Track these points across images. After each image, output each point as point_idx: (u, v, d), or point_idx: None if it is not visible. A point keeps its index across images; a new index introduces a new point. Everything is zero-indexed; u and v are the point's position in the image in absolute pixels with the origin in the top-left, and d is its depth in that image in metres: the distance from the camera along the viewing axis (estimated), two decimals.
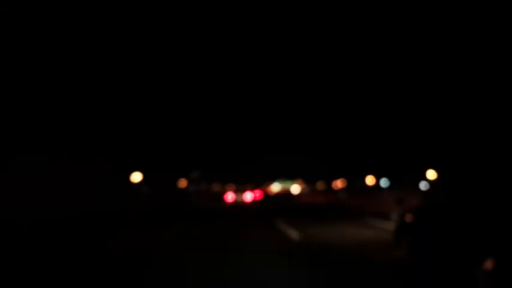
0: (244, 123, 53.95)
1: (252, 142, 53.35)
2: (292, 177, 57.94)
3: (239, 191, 35.78)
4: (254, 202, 32.46)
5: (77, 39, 17.32)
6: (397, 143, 27.42)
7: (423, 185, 20.83)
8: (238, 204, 29.35)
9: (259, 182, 53.84)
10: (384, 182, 29.63)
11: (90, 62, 18.35)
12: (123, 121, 22.11)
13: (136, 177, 19.46)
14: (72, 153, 16.36)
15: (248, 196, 34.34)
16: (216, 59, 43.74)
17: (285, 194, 42.20)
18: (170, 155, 29.66)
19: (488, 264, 4.19)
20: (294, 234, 10.65)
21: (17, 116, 13.95)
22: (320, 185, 43.15)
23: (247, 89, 50.08)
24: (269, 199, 34.60)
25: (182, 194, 31.17)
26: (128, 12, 22.54)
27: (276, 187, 57.74)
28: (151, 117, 26.40)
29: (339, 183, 34.98)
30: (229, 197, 33.58)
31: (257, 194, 36.83)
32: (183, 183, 31.62)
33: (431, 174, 19.87)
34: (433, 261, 5.43)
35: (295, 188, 54.30)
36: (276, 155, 58.72)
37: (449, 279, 4.84)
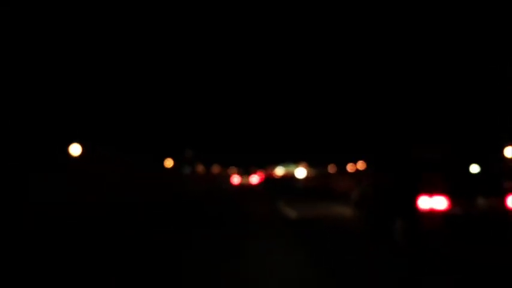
0: (243, 103, 49.64)
1: (252, 123, 49.01)
2: (295, 161, 54.19)
3: (242, 174, 36.70)
4: (259, 184, 33.28)
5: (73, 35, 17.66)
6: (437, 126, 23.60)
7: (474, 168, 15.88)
8: (245, 187, 29.75)
9: (261, 165, 50.45)
10: None
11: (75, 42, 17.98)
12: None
13: (75, 150, 12.69)
14: None
15: (254, 179, 35.10)
16: (210, 43, 40.34)
17: (289, 178, 39.06)
18: (155, 131, 25.16)
19: (399, 222, 6.40)
20: None
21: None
22: (332, 168, 38.96)
23: (249, 69, 45.88)
24: (272, 183, 32.74)
25: (172, 176, 26.02)
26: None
27: (279, 171, 53.62)
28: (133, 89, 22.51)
29: (359, 166, 30.29)
30: (235, 179, 34.98)
31: (260, 177, 37.96)
32: (169, 163, 26.40)
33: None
34: (372, 221, 7.73)
35: (301, 172, 50.09)
36: (278, 136, 54.87)
37: (381, 232, 7.11)
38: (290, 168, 54.21)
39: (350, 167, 32.80)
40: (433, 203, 5.86)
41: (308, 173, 50.71)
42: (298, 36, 44.55)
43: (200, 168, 43.33)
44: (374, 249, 6.27)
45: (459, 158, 7.05)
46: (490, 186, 6.22)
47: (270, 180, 37.35)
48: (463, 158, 7.00)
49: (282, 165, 56.32)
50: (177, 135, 31.05)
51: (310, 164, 52.05)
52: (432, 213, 5.81)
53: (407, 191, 6.26)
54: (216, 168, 54.35)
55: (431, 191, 5.88)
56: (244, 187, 30.03)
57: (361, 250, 6.17)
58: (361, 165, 29.84)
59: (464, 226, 5.86)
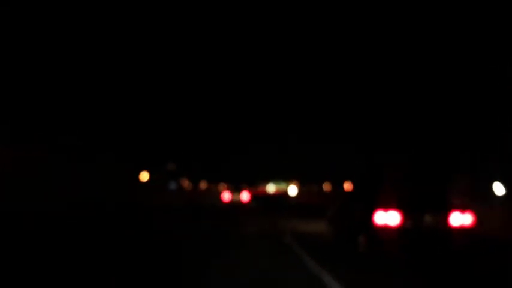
0: (233, 116, 47.59)
1: (242, 137, 46.78)
2: (287, 178, 52.23)
3: (233, 190, 35.82)
4: (250, 202, 32.67)
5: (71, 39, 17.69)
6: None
7: (497, 187, 13.58)
8: (237, 204, 29.79)
9: (251, 182, 48.26)
10: None
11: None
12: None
13: None
14: None
15: (245, 196, 34.90)
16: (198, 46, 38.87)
17: (282, 195, 37.28)
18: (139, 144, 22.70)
19: (362, 236, 6.85)
20: None
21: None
22: (327, 186, 36.99)
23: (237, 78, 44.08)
24: (264, 200, 31.01)
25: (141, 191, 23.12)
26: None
27: (270, 188, 51.52)
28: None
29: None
30: (226, 196, 34.16)
31: (251, 194, 36.54)
32: (145, 176, 23.70)
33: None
34: (341, 234, 8.37)
35: (293, 190, 47.94)
36: (272, 153, 52.95)
37: (349, 244, 7.49)
38: (281, 185, 52.13)
39: (347, 186, 30.65)
40: (387, 217, 6.31)
41: (300, 191, 48.58)
42: (289, 48, 43.25)
43: (186, 183, 40.88)
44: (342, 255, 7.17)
45: (418, 172, 7.37)
46: (437, 203, 6.58)
47: (261, 197, 35.40)
48: (421, 172, 7.36)
49: (272, 182, 54.27)
50: (161, 149, 28.80)
51: (302, 182, 49.99)
52: (387, 228, 6.28)
53: (368, 206, 6.66)
54: (203, 184, 52.24)
55: (386, 206, 6.34)
56: (236, 204, 30.02)
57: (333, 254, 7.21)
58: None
59: (414, 240, 6.33)
